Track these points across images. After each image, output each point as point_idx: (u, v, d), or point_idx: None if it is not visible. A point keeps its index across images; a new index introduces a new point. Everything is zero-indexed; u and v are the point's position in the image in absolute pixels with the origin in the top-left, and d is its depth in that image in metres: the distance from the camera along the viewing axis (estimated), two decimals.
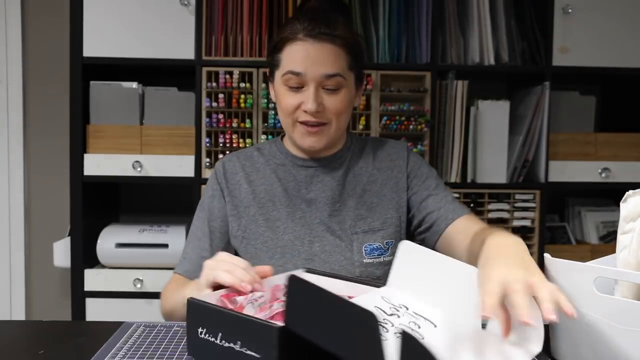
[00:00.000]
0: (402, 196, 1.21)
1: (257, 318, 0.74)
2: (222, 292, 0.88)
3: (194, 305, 0.79)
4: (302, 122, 1.14)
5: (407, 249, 0.90)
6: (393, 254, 1.15)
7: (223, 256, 0.93)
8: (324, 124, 1.14)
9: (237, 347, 0.74)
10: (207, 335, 0.77)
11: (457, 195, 2.05)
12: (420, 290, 0.84)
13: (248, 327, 0.73)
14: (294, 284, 0.71)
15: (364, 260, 1.16)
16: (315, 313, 0.69)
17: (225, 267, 0.90)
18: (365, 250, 1.17)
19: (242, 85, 1.99)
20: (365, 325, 0.63)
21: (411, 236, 1.24)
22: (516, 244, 0.84)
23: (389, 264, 1.14)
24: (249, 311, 0.84)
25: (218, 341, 0.76)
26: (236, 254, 1.24)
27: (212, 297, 0.86)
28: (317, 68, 1.11)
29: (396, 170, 1.23)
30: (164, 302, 1.16)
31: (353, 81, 1.18)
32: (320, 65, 1.11)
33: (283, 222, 1.18)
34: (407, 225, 1.23)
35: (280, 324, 0.71)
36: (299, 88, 1.13)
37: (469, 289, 0.78)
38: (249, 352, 0.73)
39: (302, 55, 1.11)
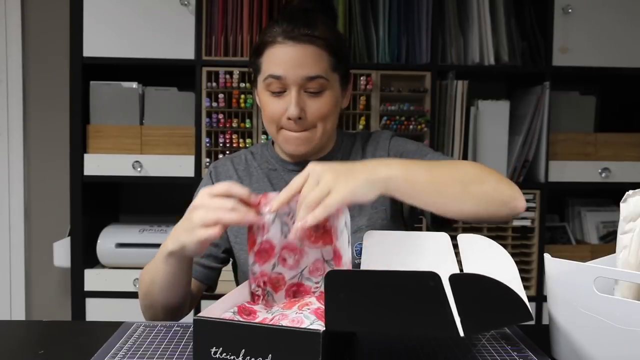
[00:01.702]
0: None
1: (294, 327, 0.71)
2: (226, 301, 0.83)
3: (203, 324, 0.73)
4: (286, 128, 1.11)
5: (372, 238, 0.91)
6: None
7: (208, 196, 0.88)
8: (308, 129, 1.11)
9: None
10: (224, 354, 0.72)
11: None
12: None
13: (283, 337, 0.69)
14: (333, 278, 0.69)
15: (356, 261, 1.12)
16: (363, 298, 0.68)
17: (218, 205, 0.86)
18: (356, 251, 1.14)
19: (242, 85, 1.99)
20: (428, 285, 0.64)
21: (411, 219, 1.21)
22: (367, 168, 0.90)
23: None
24: (263, 316, 0.82)
25: (240, 359, 0.71)
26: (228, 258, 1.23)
27: (217, 311, 0.81)
28: (298, 70, 1.07)
29: None
30: (142, 280, 1.08)
31: (338, 82, 1.13)
32: (301, 67, 1.07)
33: None
34: (402, 212, 1.20)
35: (321, 328, 0.70)
36: (280, 92, 1.09)
37: (440, 253, 0.81)
38: None
39: (282, 58, 1.07)
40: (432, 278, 0.64)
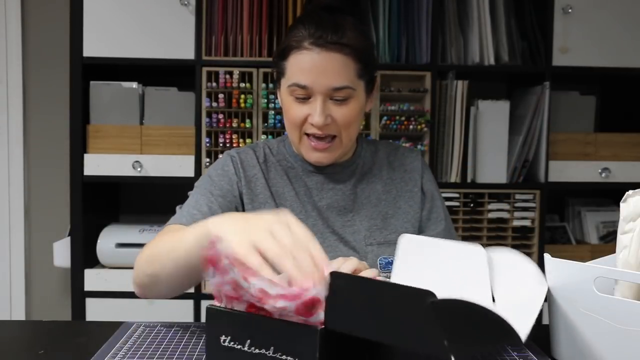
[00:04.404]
0: (417, 211, 1.18)
1: (294, 322, 0.71)
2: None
3: (215, 313, 0.75)
4: (309, 135, 1.09)
5: (407, 242, 0.90)
6: None
7: (289, 221, 0.72)
8: (333, 137, 1.09)
9: (269, 353, 0.70)
10: (231, 342, 0.73)
11: (457, 195, 2.06)
12: (425, 280, 0.83)
13: (284, 331, 0.70)
14: (337, 279, 0.69)
15: (382, 275, 1.11)
16: (363, 305, 0.68)
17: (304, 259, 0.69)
18: (380, 264, 1.12)
19: (242, 85, 1.99)
20: (424, 303, 0.64)
21: None
22: None
23: None
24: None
25: (246, 348, 0.72)
26: None
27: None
28: (324, 80, 1.04)
29: (411, 184, 1.19)
30: (147, 259, 0.98)
31: (363, 89, 1.11)
32: (327, 77, 1.04)
33: None
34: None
35: (320, 325, 0.69)
36: (305, 99, 1.07)
37: (475, 266, 0.80)
38: (283, 356, 0.70)
39: (308, 66, 1.04)
40: (430, 296, 0.64)
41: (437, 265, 0.85)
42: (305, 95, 1.07)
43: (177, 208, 1.17)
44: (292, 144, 1.17)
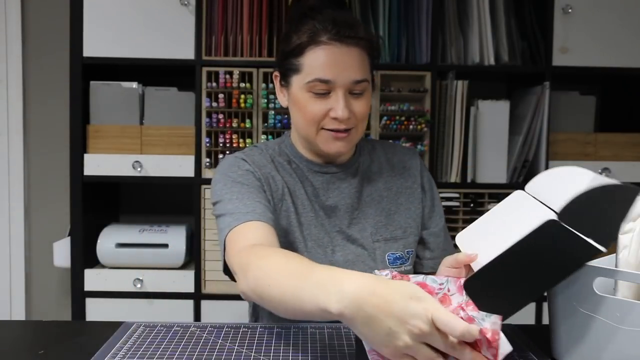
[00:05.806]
0: (419, 207, 1.20)
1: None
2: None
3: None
4: (327, 129, 1.10)
5: (465, 237, 0.93)
6: (412, 263, 1.17)
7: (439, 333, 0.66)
8: (350, 129, 1.10)
9: None
10: None
11: (457, 195, 2.06)
12: (497, 246, 0.82)
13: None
14: (470, 285, 0.74)
15: (390, 272, 1.11)
16: (508, 284, 0.74)
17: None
18: (388, 260, 1.14)
19: (242, 85, 1.99)
20: (550, 233, 0.73)
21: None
22: None
23: (409, 273, 1.14)
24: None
25: None
26: None
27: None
28: (347, 74, 1.06)
29: (411, 181, 1.21)
30: (268, 290, 0.84)
31: (371, 83, 1.14)
32: (349, 70, 1.06)
33: (306, 228, 1.13)
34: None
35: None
36: (324, 94, 1.08)
37: (527, 205, 0.89)
38: None
39: (330, 61, 1.06)
40: (552, 225, 0.70)
41: (502, 231, 0.86)
42: (325, 90, 1.08)
43: (219, 220, 1.07)
44: (306, 139, 1.15)
